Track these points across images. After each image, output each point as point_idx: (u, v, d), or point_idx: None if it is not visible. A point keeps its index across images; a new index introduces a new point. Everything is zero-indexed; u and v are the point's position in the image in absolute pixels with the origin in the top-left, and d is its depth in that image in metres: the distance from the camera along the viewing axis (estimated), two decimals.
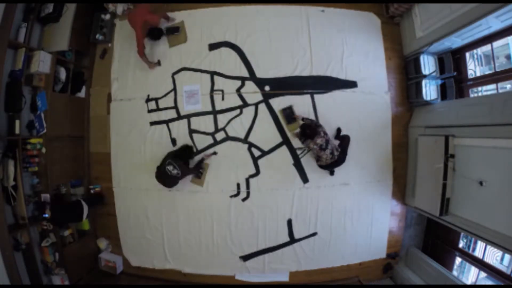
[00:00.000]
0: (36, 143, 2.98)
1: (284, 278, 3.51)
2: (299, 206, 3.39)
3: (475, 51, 3.18)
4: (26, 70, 2.90)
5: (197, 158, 3.31)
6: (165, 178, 3.03)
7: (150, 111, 3.47)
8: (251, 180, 3.38)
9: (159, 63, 3.45)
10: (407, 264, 3.60)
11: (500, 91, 2.91)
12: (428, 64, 3.31)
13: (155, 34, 3.25)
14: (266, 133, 3.37)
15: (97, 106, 3.63)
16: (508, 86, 2.92)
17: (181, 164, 2.98)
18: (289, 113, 3.33)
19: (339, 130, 3.34)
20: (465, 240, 3.26)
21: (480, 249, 3.04)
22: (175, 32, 3.41)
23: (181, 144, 3.35)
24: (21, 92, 2.85)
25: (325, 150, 2.82)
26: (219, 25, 3.44)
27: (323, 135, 2.84)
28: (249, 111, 3.38)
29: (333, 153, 2.86)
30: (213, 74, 3.41)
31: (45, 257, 3.06)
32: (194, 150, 3.34)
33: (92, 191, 3.55)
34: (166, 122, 3.45)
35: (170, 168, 2.93)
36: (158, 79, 3.47)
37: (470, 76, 3.25)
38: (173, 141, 3.43)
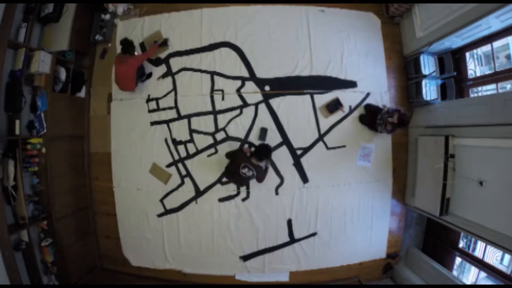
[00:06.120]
0: (36, 143, 2.98)
1: (284, 278, 3.51)
2: (299, 206, 3.39)
3: (475, 51, 3.18)
4: (26, 70, 2.90)
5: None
6: (239, 179, 3.06)
7: (150, 111, 3.47)
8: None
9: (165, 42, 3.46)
10: (407, 264, 3.60)
11: (500, 91, 2.91)
12: (428, 64, 3.31)
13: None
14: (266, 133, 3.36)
15: (97, 106, 3.64)
16: (508, 86, 2.92)
17: (255, 166, 2.94)
18: (335, 103, 3.38)
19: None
20: (465, 240, 3.26)
21: (480, 249, 3.04)
22: (164, 45, 3.46)
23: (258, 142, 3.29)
24: (21, 92, 2.85)
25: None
26: (219, 25, 3.44)
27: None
28: (249, 111, 3.38)
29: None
30: (213, 74, 3.41)
31: (45, 257, 3.06)
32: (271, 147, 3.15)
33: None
34: (167, 122, 3.45)
35: (245, 171, 2.91)
36: (159, 79, 3.47)
37: (470, 76, 3.25)
38: (174, 141, 3.43)
